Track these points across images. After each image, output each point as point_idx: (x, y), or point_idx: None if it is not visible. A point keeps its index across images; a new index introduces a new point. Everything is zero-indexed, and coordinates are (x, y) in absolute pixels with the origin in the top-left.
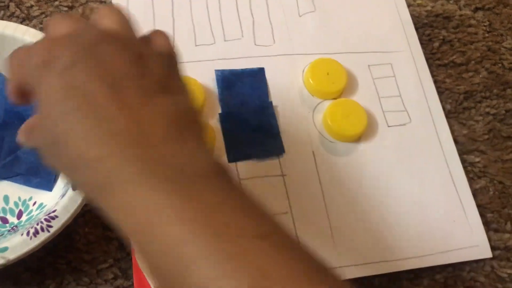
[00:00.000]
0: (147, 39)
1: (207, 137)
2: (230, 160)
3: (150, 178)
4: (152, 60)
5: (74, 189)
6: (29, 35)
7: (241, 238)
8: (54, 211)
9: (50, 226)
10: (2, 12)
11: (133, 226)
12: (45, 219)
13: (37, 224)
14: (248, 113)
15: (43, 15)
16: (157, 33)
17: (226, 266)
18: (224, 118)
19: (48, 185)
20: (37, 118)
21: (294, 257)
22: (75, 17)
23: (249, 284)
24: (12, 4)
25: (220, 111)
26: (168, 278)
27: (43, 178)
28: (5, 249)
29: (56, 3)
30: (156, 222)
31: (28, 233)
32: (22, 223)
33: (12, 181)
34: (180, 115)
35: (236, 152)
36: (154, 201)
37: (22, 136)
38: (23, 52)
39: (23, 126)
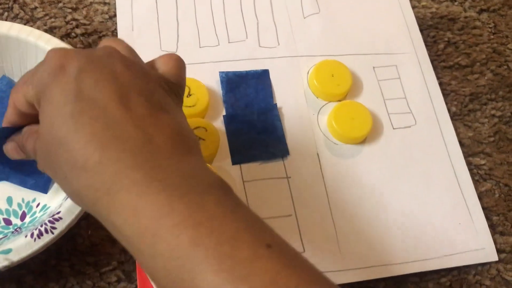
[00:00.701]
0: (152, 63)
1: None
2: (234, 162)
3: (156, 183)
4: (155, 81)
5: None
6: (33, 36)
7: (247, 246)
8: (58, 213)
9: (54, 228)
10: (6, 13)
11: (136, 230)
12: (49, 221)
13: (41, 226)
14: (252, 115)
15: (47, 17)
16: (165, 58)
17: (234, 273)
18: (228, 120)
19: (43, 187)
20: (34, 129)
21: (299, 265)
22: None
23: None
24: (16, 6)
25: (224, 113)
26: (171, 285)
27: (38, 180)
28: (8, 250)
29: (60, 4)
30: (161, 226)
31: (32, 235)
32: (25, 225)
33: (9, 181)
34: (182, 131)
35: (240, 154)
36: (158, 205)
37: (13, 152)
38: (28, 74)
39: (10, 145)
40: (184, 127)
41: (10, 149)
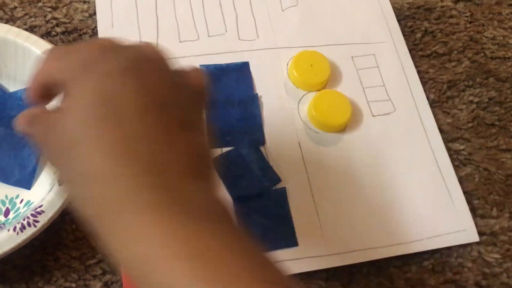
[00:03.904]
0: (181, 72)
1: (215, 181)
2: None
3: (161, 209)
4: (183, 92)
5: (60, 184)
6: (12, 33)
7: (243, 283)
8: (40, 206)
9: (37, 221)
10: None
11: (133, 255)
12: (32, 215)
13: (24, 220)
14: (233, 103)
15: (27, 16)
16: (193, 70)
17: None
18: (209, 106)
19: (26, 183)
20: (52, 113)
21: None
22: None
23: None
24: None
25: None
26: None
27: (21, 177)
28: None
29: (40, 4)
30: (158, 255)
31: (14, 229)
32: (9, 221)
33: None
34: (197, 155)
35: (216, 139)
36: (159, 234)
37: (22, 123)
38: (63, 50)
39: (25, 113)
40: (202, 148)
41: (23, 121)
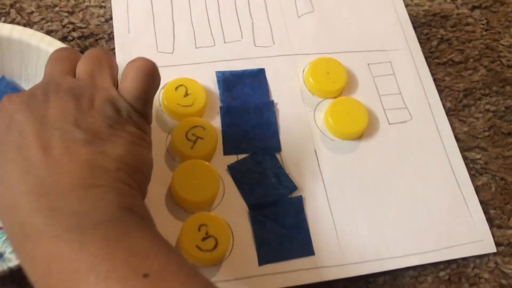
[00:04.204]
0: (107, 83)
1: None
2: (225, 153)
3: (53, 229)
4: (99, 110)
5: None
6: (35, 38)
7: (119, 280)
8: None
9: None
10: (3, 18)
11: (37, 276)
12: None
13: None
14: (248, 110)
15: (44, 21)
16: (126, 68)
17: None
18: (224, 111)
19: None
20: None
21: None
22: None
23: None
24: (13, 11)
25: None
26: None
27: None
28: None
29: (57, 8)
30: (53, 271)
31: None
32: None
33: None
34: (95, 162)
35: (231, 145)
36: (52, 252)
37: None
38: None
39: None
40: (103, 157)
41: None
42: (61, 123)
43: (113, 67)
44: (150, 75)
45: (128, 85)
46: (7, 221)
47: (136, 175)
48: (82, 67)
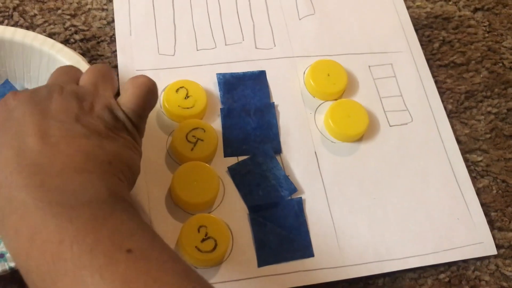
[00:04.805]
0: (108, 93)
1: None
2: (226, 155)
3: (40, 203)
4: (98, 113)
5: None
6: (37, 41)
7: (104, 254)
8: None
9: None
10: (6, 21)
11: (15, 250)
12: None
13: None
14: (249, 112)
15: (46, 24)
16: (127, 83)
17: (90, 284)
18: (225, 113)
19: None
20: None
21: (163, 270)
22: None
23: None
24: (15, 13)
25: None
26: None
27: None
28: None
29: (59, 11)
30: (31, 245)
31: None
32: None
33: None
34: (91, 152)
35: (232, 147)
36: (33, 225)
37: None
38: None
39: None
40: (99, 149)
41: None
42: (63, 116)
43: (114, 82)
44: (148, 94)
45: (127, 99)
46: None
47: (126, 172)
48: (86, 77)
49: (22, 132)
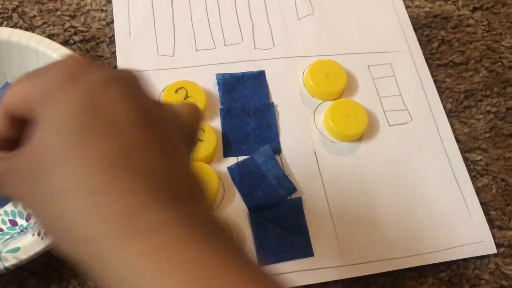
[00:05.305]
0: (171, 106)
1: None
2: (225, 155)
3: (173, 230)
4: (171, 119)
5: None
6: (34, 41)
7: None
8: None
9: None
10: (6, 22)
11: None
12: None
13: None
14: (249, 112)
15: (46, 25)
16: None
17: None
18: (225, 113)
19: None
20: (5, 155)
21: None
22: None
23: None
24: (15, 15)
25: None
26: None
27: None
28: (17, 249)
29: (58, 12)
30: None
31: (39, 234)
32: (31, 225)
33: None
34: (189, 177)
35: (232, 147)
36: (123, 258)
37: None
38: (31, 73)
39: None
40: (190, 171)
41: None
42: (157, 113)
43: None
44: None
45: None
46: (82, 203)
47: None
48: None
49: (110, 119)
